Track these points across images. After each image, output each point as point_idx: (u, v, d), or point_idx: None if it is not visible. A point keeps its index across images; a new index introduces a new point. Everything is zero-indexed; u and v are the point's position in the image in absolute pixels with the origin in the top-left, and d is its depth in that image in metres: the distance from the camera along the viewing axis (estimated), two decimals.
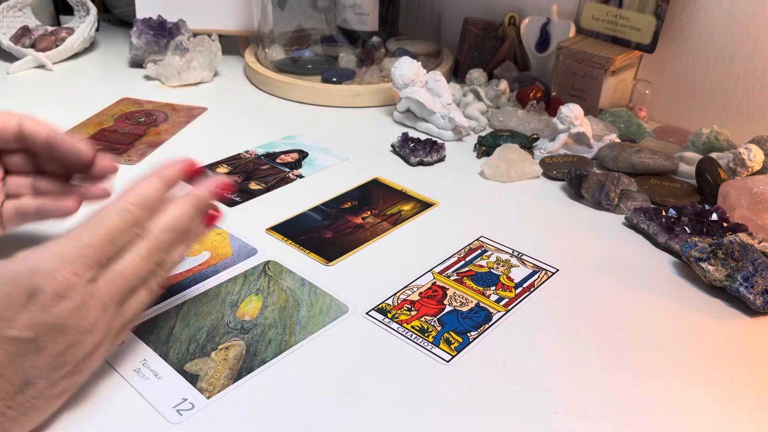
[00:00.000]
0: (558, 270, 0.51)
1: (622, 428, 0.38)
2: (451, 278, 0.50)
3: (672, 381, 0.41)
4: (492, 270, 0.51)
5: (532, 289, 0.49)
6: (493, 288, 0.49)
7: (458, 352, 0.43)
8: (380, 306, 0.47)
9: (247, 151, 0.69)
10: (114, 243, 0.35)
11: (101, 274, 0.35)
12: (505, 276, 0.50)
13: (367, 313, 0.46)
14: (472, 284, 0.49)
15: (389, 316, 0.46)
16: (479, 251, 0.53)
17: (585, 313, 0.47)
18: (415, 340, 0.43)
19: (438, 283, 0.49)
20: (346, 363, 0.42)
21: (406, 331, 0.44)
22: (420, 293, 0.48)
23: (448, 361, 0.42)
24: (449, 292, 0.48)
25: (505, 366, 0.42)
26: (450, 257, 0.52)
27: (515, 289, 0.49)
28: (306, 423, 0.37)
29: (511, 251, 0.53)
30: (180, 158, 0.41)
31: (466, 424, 0.37)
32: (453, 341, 0.43)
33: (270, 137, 0.72)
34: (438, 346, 0.43)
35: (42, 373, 0.33)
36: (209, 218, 0.41)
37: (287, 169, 0.65)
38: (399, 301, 0.47)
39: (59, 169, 0.46)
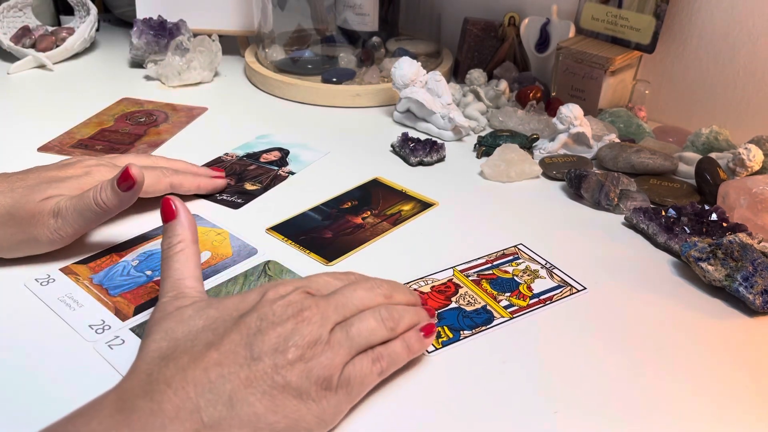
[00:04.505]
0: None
1: (622, 428, 0.38)
2: (470, 278, 0.50)
3: (671, 381, 0.41)
4: (515, 278, 0.50)
5: (547, 302, 0.48)
6: (507, 294, 0.49)
7: (443, 347, 0.43)
8: None
9: (227, 154, 0.68)
10: None
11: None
12: (525, 286, 0.50)
13: None
14: (488, 287, 0.49)
15: None
16: (512, 257, 0.52)
17: (584, 313, 0.47)
18: None
19: (454, 280, 0.49)
20: None
21: None
22: (432, 286, 0.48)
23: (429, 353, 0.42)
24: (461, 291, 0.48)
25: (505, 366, 0.42)
26: (478, 258, 0.52)
27: (529, 299, 0.48)
28: None
29: (544, 262, 0.52)
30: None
31: (461, 423, 0.38)
32: (443, 336, 0.44)
33: (273, 138, 0.72)
34: None
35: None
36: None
37: (275, 168, 0.65)
38: None
39: None
